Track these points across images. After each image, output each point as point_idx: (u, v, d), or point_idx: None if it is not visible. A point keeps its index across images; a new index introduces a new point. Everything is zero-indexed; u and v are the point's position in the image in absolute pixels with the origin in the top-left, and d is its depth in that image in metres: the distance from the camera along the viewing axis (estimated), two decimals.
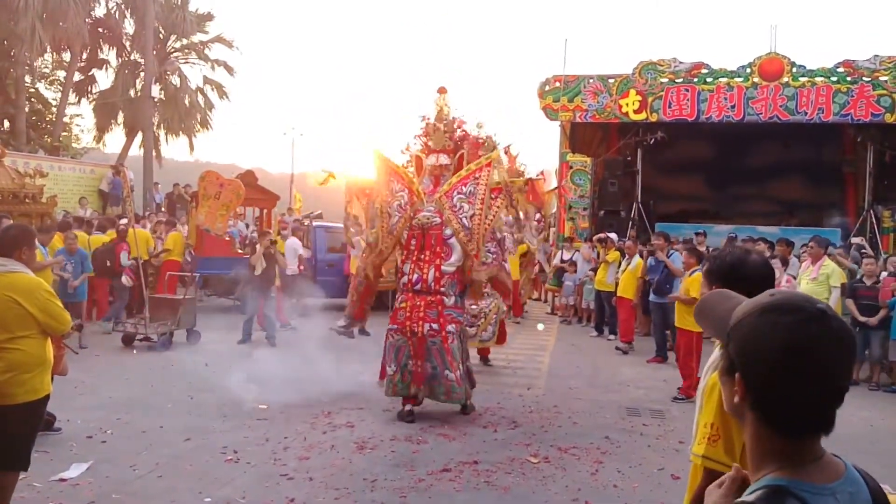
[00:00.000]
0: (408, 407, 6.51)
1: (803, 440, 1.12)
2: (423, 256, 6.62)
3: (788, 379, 1.08)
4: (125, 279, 10.05)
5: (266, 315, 10.03)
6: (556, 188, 15.26)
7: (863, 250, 11.15)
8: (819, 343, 1.08)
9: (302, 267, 12.26)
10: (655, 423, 6.71)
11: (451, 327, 6.51)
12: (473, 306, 8.56)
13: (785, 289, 8.53)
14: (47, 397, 3.97)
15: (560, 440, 6.02)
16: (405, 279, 6.69)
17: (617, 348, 10.49)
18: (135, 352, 9.19)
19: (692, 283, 7.32)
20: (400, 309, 6.65)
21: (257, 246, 10.33)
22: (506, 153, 8.61)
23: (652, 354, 9.79)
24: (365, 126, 7.16)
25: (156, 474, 4.92)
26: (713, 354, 2.21)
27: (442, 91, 7.08)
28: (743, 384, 1.12)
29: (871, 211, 14.99)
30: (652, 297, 9.79)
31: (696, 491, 2.06)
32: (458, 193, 6.62)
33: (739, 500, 1.14)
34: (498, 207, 6.99)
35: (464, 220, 6.55)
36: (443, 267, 6.53)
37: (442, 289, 6.52)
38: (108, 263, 10.30)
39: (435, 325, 6.45)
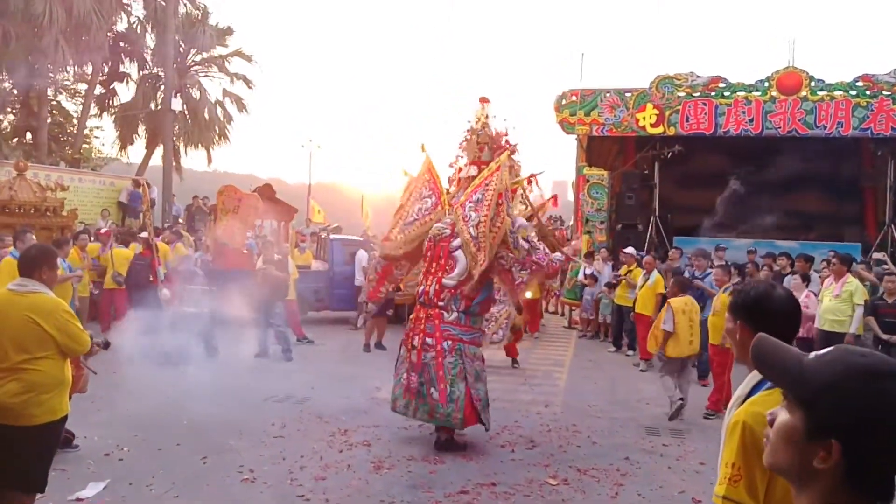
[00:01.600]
0: (444, 436, 6.18)
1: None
2: (431, 268, 6.50)
3: None
4: (166, 292, 10.02)
5: (279, 331, 10.03)
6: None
7: (884, 265, 10.98)
8: None
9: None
10: (675, 443, 6.62)
11: (444, 343, 6.16)
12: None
13: (803, 304, 8.41)
14: (65, 418, 3.97)
15: (579, 461, 5.95)
16: (418, 290, 6.65)
17: (635, 365, 10.41)
18: (151, 367, 9.19)
19: (726, 300, 7.29)
20: (410, 320, 6.66)
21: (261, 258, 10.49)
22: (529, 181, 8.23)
23: None
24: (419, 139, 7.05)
25: (172, 494, 4.90)
26: (739, 390, 2.15)
27: (483, 101, 6.93)
28: (840, 451, 1.07)
29: (892, 225, 14.81)
30: None
31: None
32: (470, 202, 6.45)
33: None
34: (505, 213, 6.41)
35: (471, 229, 6.30)
36: (443, 280, 6.31)
37: (441, 303, 6.27)
38: (151, 278, 10.24)
39: (430, 340, 6.20)
